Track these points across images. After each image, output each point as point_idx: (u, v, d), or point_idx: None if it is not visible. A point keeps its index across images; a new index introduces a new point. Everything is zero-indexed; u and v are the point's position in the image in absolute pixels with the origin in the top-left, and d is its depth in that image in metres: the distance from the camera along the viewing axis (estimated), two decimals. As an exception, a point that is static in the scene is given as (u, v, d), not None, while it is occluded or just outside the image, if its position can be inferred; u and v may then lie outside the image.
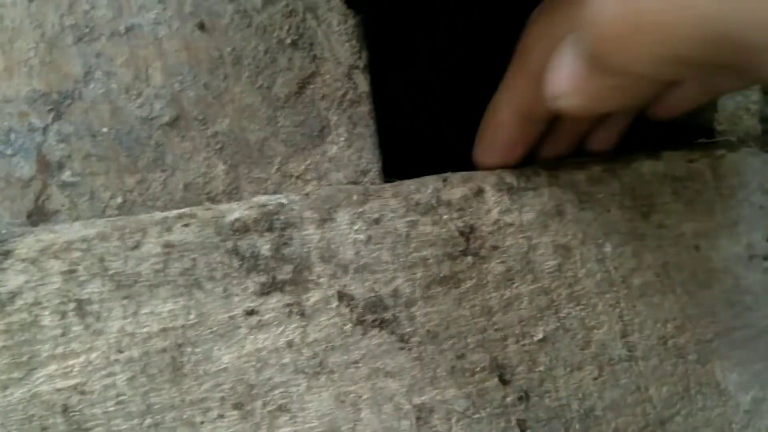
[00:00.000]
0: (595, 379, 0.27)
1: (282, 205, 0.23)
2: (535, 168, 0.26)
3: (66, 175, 0.23)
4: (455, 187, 0.25)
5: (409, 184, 0.25)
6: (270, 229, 0.23)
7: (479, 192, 0.25)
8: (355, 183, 0.26)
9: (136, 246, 0.22)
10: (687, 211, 0.29)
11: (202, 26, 0.24)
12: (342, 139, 0.26)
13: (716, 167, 0.29)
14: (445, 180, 0.25)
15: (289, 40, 0.25)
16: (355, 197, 0.24)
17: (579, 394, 0.27)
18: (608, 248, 0.27)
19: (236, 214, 0.22)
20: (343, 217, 0.24)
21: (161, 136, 0.24)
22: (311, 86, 0.25)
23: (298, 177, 0.25)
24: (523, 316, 0.27)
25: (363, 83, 0.26)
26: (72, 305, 0.21)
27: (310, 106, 0.25)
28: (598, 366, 0.27)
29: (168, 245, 0.22)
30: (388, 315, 0.25)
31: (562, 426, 0.26)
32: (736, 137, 0.32)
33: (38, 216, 0.23)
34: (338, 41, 0.25)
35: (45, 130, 0.23)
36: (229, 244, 0.22)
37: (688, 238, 0.29)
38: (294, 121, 0.25)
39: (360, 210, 0.24)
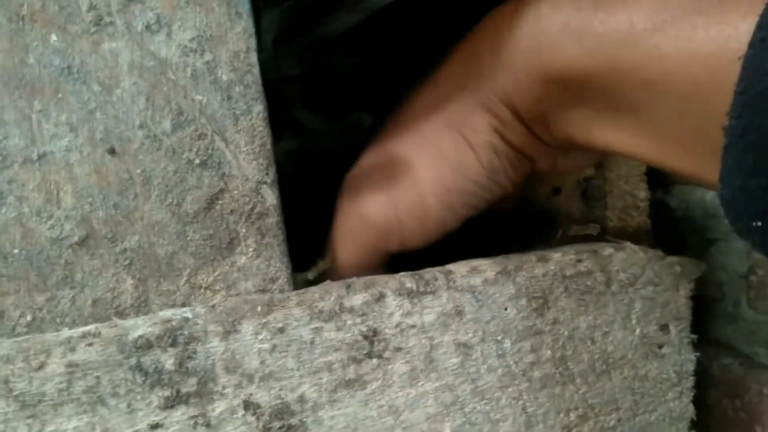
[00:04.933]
0: (499, 473, 0.28)
1: (186, 319, 0.24)
2: (433, 272, 0.28)
3: (-26, 297, 0.24)
4: (357, 293, 0.27)
5: (313, 292, 0.27)
6: (174, 344, 0.24)
7: (381, 297, 0.27)
8: (263, 291, 0.27)
9: (41, 366, 0.22)
10: (580, 306, 0.31)
11: (112, 151, 0.25)
12: (251, 249, 0.27)
13: (605, 265, 0.31)
14: (348, 286, 0.27)
15: (198, 161, 0.27)
16: (259, 308, 0.25)
17: (484, 489, 0.28)
18: (507, 344, 0.29)
19: (139, 331, 0.23)
20: (247, 328, 0.25)
21: (71, 255, 0.25)
22: (220, 201, 0.27)
23: (206, 288, 0.26)
24: (429, 413, 0.28)
25: (271, 197, 0.27)
26: (-27, 428, 0.22)
27: (219, 220, 0.27)
28: (501, 460, 0.28)
29: (72, 364, 0.23)
30: (295, 421, 0.26)
31: None
32: (626, 233, 0.35)
33: (-55, 337, 0.23)
34: (246, 159, 0.27)
35: (-46, 254, 0.24)
36: (133, 361, 0.23)
37: (583, 331, 0.31)
38: (203, 234, 0.27)
39: (264, 320, 0.25)
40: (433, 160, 0.29)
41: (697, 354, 0.34)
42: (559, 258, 0.30)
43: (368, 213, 0.30)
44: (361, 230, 0.30)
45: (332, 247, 0.32)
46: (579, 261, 0.30)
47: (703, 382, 0.35)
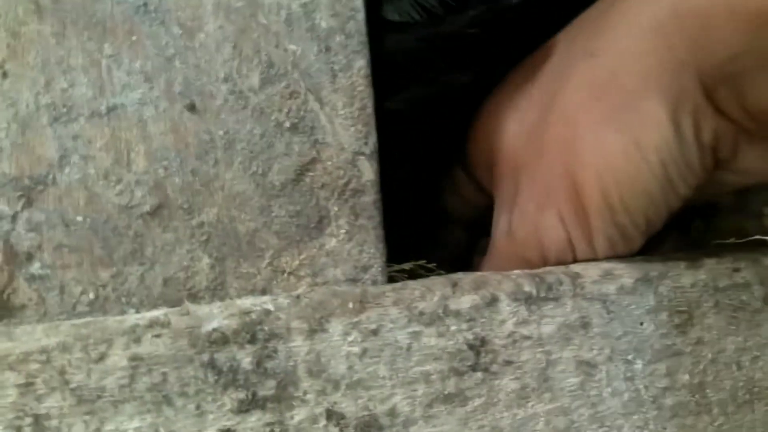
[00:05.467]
0: None
1: (267, 312, 0.21)
2: (557, 275, 0.23)
3: (35, 267, 0.21)
4: (465, 294, 0.22)
5: (413, 289, 0.22)
6: (252, 341, 0.20)
7: (493, 301, 0.23)
8: (354, 281, 0.23)
9: (101, 358, 0.19)
10: (730, 325, 0.25)
11: (192, 107, 0.22)
12: (342, 231, 0.23)
13: (765, 277, 0.25)
14: (454, 285, 0.23)
15: (288, 124, 0.22)
16: (350, 305, 0.21)
17: None
18: (638, 365, 0.24)
19: (214, 323, 0.20)
20: (335, 327, 0.21)
21: (141, 226, 0.21)
22: (310, 174, 0.23)
23: (290, 273, 0.23)
24: (537, 437, 0.24)
25: (368, 171, 0.23)
26: (28, 420, 0.19)
27: (309, 195, 0.23)
28: (620, 501, 0.24)
29: (136, 358, 0.19)
30: (382, 435, 0.22)
31: None
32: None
33: (2, 311, 0.21)
34: (342, 125, 0.23)
35: (14, 217, 0.21)
36: (205, 357, 0.20)
37: (729, 355, 0.25)
38: (289, 211, 0.23)
39: (356, 320, 0.21)
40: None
41: None
42: (713, 265, 0.24)
43: (607, 150, 0.23)
44: (590, 174, 0.23)
45: (523, 209, 0.26)
46: (736, 270, 0.25)
47: None
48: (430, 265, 0.28)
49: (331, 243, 0.23)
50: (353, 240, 0.23)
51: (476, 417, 0.23)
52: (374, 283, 0.23)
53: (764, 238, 0.27)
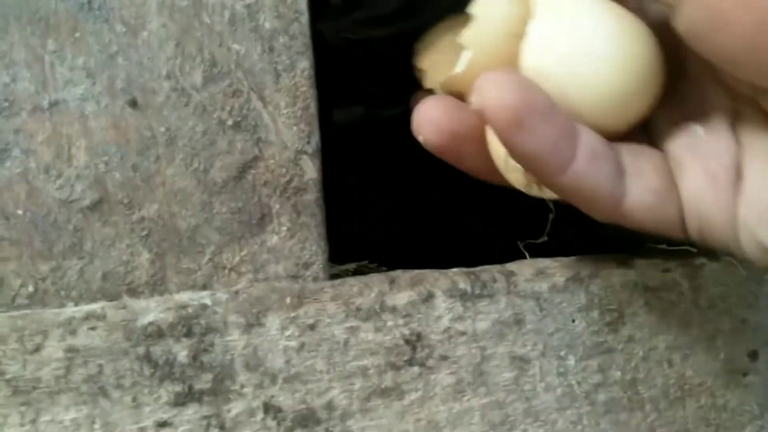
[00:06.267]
0: (547, 507, 0.24)
1: (204, 306, 0.21)
2: (491, 272, 0.24)
3: (-28, 260, 0.21)
4: (402, 290, 0.23)
5: (351, 285, 0.23)
6: (188, 334, 0.21)
7: (429, 297, 0.23)
8: (295, 277, 0.24)
9: (37, 349, 0.20)
10: (660, 324, 0.26)
11: (134, 103, 0.22)
12: (284, 228, 0.24)
13: (694, 277, 0.26)
14: (392, 281, 0.23)
15: (230, 122, 0.23)
16: (288, 300, 0.22)
17: None
18: (571, 361, 0.25)
19: (150, 317, 0.20)
20: (273, 322, 0.22)
21: (81, 221, 0.22)
22: (253, 171, 0.23)
23: (231, 269, 0.23)
24: (474, 431, 0.24)
25: (311, 170, 0.24)
26: (-40, 410, 0.19)
27: (251, 192, 0.23)
28: (551, 493, 0.24)
29: (71, 349, 0.20)
30: (320, 429, 0.22)
31: None
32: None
33: (-62, 303, 0.21)
34: (285, 124, 0.23)
35: (-49, 210, 0.21)
36: (141, 350, 0.20)
37: (660, 353, 0.26)
38: (231, 207, 0.23)
39: (293, 315, 0.22)
40: None
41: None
42: (643, 265, 0.25)
43: None
44: None
45: None
46: (666, 271, 0.26)
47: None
48: (372, 265, 0.28)
49: (273, 240, 0.23)
50: (295, 237, 0.24)
51: (413, 410, 0.23)
52: (315, 279, 0.24)
53: (692, 249, 0.28)
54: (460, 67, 0.21)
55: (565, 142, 0.18)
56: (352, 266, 0.28)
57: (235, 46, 0.23)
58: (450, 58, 0.22)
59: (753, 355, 0.28)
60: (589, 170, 0.18)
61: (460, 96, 0.21)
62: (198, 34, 0.22)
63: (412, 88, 0.25)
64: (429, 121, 0.21)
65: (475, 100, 0.18)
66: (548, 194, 0.21)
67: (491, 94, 0.17)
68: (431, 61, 0.24)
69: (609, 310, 0.25)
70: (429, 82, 0.24)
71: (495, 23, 0.20)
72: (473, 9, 0.21)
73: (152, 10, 0.22)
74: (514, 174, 0.21)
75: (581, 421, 0.26)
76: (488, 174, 0.22)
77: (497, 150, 0.21)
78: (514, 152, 0.18)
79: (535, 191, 0.21)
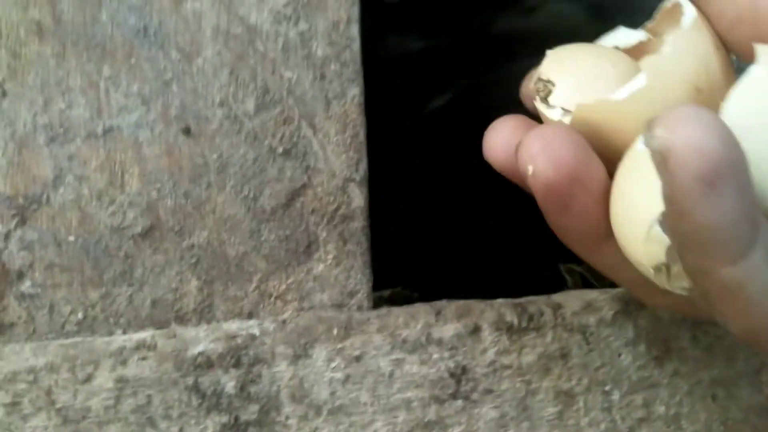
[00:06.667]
0: None
1: (253, 336, 0.21)
2: (538, 305, 0.24)
3: (26, 286, 0.21)
4: (448, 322, 0.23)
5: (397, 316, 0.23)
6: (237, 365, 0.21)
7: (475, 330, 0.23)
8: (340, 306, 0.24)
9: (87, 379, 0.20)
10: (705, 358, 0.26)
11: (187, 131, 0.22)
12: (330, 256, 0.24)
13: (742, 313, 0.26)
14: (438, 312, 0.23)
15: (281, 149, 0.23)
16: (335, 331, 0.22)
17: None
18: (616, 396, 0.25)
19: (200, 347, 0.20)
20: (319, 353, 0.22)
21: (132, 248, 0.22)
22: (301, 198, 0.23)
23: (277, 297, 0.23)
24: (514, 464, 0.24)
25: (358, 197, 0.24)
26: (12, 437, 0.19)
27: (298, 219, 0.23)
28: None
29: (122, 380, 0.20)
30: (363, 460, 0.22)
31: None
32: None
33: (-9, 327, 0.21)
34: (335, 152, 0.23)
35: (7, 236, 0.21)
36: (190, 381, 0.20)
37: (704, 387, 0.26)
38: (279, 235, 0.23)
39: (340, 346, 0.22)
40: None
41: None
42: (690, 302, 0.25)
43: None
44: None
45: None
46: (713, 308, 0.25)
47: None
48: (405, 291, 0.28)
49: (319, 268, 0.23)
50: (341, 265, 0.24)
51: (455, 443, 0.23)
52: (360, 308, 0.24)
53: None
54: (622, 94, 0.17)
55: (748, 224, 0.14)
56: (386, 292, 0.28)
57: (288, 74, 0.23)
58: (593, 83, 0.19)
59: (798, 392, 0.28)
60: (765, 267, 0.14)
61: (590, 128, 0.18)
62: (252, 61, 0.22)
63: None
64: (550, 151, 0.17)
65: (660, 133, 0.13)
66: (678, 284, 0.17)
67: (690, 132, 0.13)
68: (566, 78, 0.20)
69: (656, 345, 0.25)
70: (556, 99, 0.20)
71: (685, 63, 0.17)
72: (667, 41, 0.18)
73: (207, 37, 0.22)
74: (649, 247, 0.16)
75: (624, 457, 0.25)
76: (589, 239, 0.18)
77: (632, 211, 0.17)
78: (686, 219, 0.14)
79: (662, 278, 0.17)
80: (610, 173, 0.18)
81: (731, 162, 0.13)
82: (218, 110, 0.22)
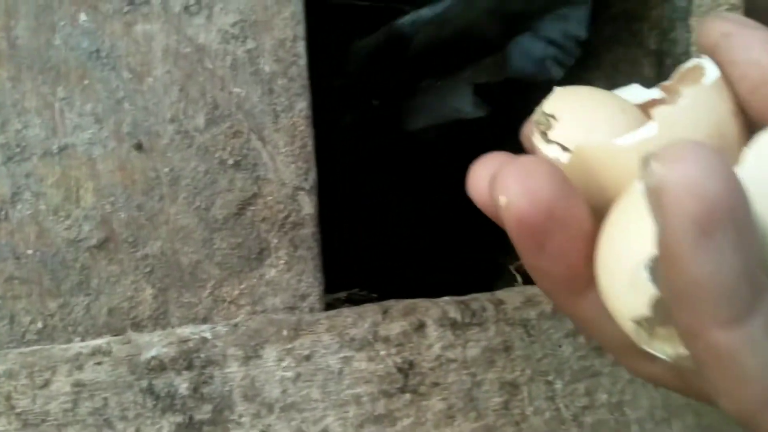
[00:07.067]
0: None
1: (204, 340, 0.22)
2: (481, 301, 0.25)
3: (-15, 297, 0.22)
4: (395, 320, 0.24)
5: (346, 316, 0.24)
6: (189, 367, 0.22)
7: (420, 326, 0.24)
8: (292, 309, 0.25)
9: (45, 384, 0.21)
10: (645, 348, 0.27)
11: (139, 146, 0.23)
12: (282, 262, 0.25)
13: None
14: (385, 311, 0.24)
15: (231, 161, 0.24)
16: (285, 332, 0.23)
17: None
18: (558, 385, 0.26)
19: (153, 352, 0.21)
20: (270, 353, 0.23)
21: (88, 259, 0.23)
22: (252, 207, 0.24)
23: (231, 302, 0.24)
24: (465, 454, 0.25)
25: (308, 205, 0.25)
26: (-26, 442, 0.20)
27: (250, 228, 0.24)
28: None
29: (78, 384, 0.21)
30: (316, 454, 0.23)
31: None
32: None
33: (-47, 338, 0.22)
34: (284, 162, 0.25)
35: (-34, 250, 0.22)
36: (144, 383, 0.21)
37: (645, 376, 0.27)
38: (231, 243, 0.24)
39: (289, 346, 0.23)
40: None
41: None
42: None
43: None
44: None
45: None
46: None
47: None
48: (363, 292, 0.29)
49: (271, 273, 0.25)
50: (292, 270, 0.25)
51: (406, 436, 0.24)
52: (312, 310, 0.25)
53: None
54: (628, 140, 0.16)
55: (748, 285, 0.12)
56: (343, 294, 0.29)
57: (237, 90, 0.24)
58: (598, 125, 0.18)
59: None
60: (764, 339, 0.13)
61: (587, 171, 0.17)
62: (201, 78, 0.24)
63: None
64: (526, 182, 0.15)
65: (656, 168, 0.12)
66: (660, 348, 0.15)
67: (687, 168, 0.12)
68: (570, 115, 0.18)
69: (594, 337, 0.26)
70: (557, 135, 0.18)
71: (700, 119, 0.16)
72: (685, 94, 0.16)
73: (157, 57, 0.23)
74: (632, 295, 0.15)
75: (570, 444, 0.27)
76: (567, 286, 0.17)
77: (619, 253, 0.15)
78: (678, 268, 0.12)
79: (642, 335, 0.15)
80: (599, 221, 0.16)
81: (730, 207, 0.12)
82: (169, 126, 0.23)
